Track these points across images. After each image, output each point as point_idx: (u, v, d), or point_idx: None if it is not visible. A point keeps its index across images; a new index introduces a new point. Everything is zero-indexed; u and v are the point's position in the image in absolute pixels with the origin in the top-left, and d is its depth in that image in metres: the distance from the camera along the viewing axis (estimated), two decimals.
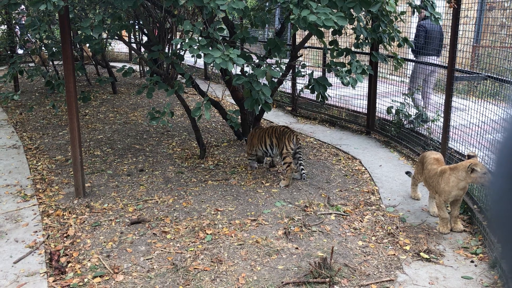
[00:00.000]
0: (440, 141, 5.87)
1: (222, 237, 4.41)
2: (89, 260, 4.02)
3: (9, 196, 5.39)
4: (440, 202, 4.43)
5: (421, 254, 4.06)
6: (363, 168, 6.33)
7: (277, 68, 5.43)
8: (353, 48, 6.20)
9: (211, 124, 8.83)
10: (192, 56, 4.70)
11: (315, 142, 7.56)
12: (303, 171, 5.83)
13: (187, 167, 6.41)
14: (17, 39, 11.84)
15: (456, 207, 4.48)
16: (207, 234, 4.45)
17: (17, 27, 13.77)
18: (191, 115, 6.36)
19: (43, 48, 7.62)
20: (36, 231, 4.53)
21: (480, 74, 5.28)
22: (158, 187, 5.69)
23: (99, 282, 3.70)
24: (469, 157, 4.38)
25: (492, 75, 4.97)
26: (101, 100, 11.12)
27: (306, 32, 6.30)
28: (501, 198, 0.98)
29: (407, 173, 5.61)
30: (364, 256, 4.09)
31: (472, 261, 3.97)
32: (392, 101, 7.26)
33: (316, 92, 5.66)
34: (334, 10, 4.41)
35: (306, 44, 8.16)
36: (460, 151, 5.54)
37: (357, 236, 4.46)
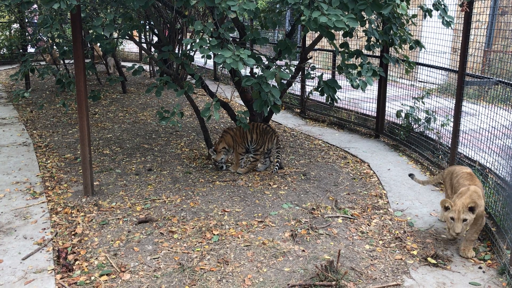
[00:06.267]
0: (449, 145, 5.83)
1: (228, 238, 4.41)
2: (96, 258, 4.04)
3: (18, 193, 5.43)
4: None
5: (429, 259, 4.03)
6: (372, 171, 6.30)
7: (287, 70, 5.42)
8: (364, 50, 6.17)
9: (219, 125, 8.85)
10: (202, 57, 4.70)
11: (323, 145, 7.54)
12: (276, 166, 6.22)
13: (195, 167, 6.42)
14: (29, 37, 11.96)
15: None
16: (214, 234, 4.46)
17: (31, 24, 13.90)
18: (200, 115, 6.37)
19: (54, 46, 7.68)
20: (44, 229, 4.56)
21: (491, 79, 5.24)
22: (166, 186, 5.71)
23: (106, 280, 3.72)
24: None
25: (503, 80, 4.93)
26: (111, 99, 11.19)
27: (316, 34, 6.29)
28: None
29: (410, 175, 5.42)
30: (371, 260, 4.06)
31: (480, 267, 3.94)
32: (402, 104, 7.22)
33: (325, 95, 5.64)
34: (345, 12, 4.39)
35: (316, 46, 8.15)
36: (470, 156, 5.50)
37: (364, 239, 4.44)
